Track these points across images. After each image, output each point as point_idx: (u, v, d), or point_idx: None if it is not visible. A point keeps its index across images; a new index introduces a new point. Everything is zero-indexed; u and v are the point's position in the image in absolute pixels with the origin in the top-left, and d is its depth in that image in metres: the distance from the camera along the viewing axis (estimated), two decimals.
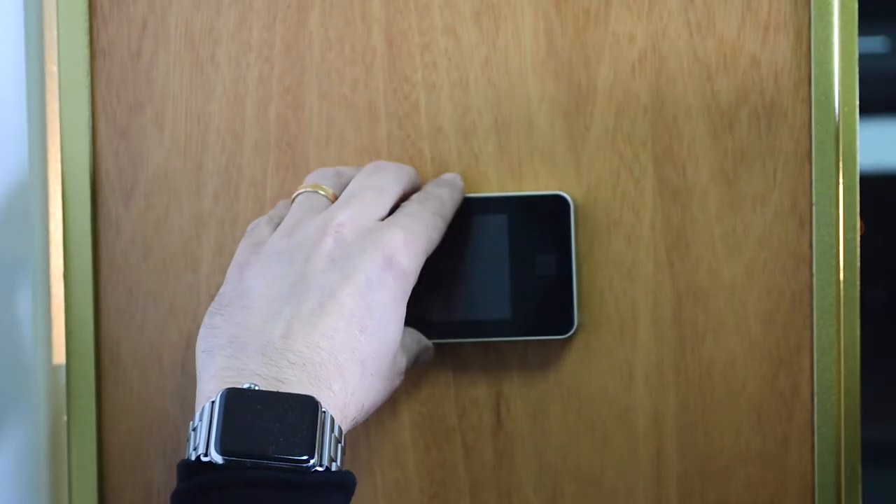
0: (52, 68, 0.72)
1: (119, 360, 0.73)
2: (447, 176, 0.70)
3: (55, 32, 0.72)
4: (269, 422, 0.57)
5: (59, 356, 0.73)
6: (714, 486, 0.70)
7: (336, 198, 0.66)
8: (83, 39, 0.72)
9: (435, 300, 0.69)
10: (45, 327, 0.72)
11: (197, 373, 0.61)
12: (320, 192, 0.66)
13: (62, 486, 0.73)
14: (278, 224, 0.66)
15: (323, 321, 0.60)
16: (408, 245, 0.63)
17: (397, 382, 0.65)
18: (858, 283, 0.69)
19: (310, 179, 0.68)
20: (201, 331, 0.62)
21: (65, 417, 0.73)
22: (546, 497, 0.71)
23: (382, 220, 0.65)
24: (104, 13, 0.73)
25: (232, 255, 0.71)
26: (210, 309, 0.63)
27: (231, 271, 0.64)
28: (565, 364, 0.71)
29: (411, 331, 0.68)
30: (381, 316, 0.62)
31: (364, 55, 0.71)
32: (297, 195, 0.67)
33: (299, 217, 0.65)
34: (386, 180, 0.66)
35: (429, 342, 0.69)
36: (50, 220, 0.72)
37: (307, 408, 0.57)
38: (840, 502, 0.69)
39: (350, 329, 0.61)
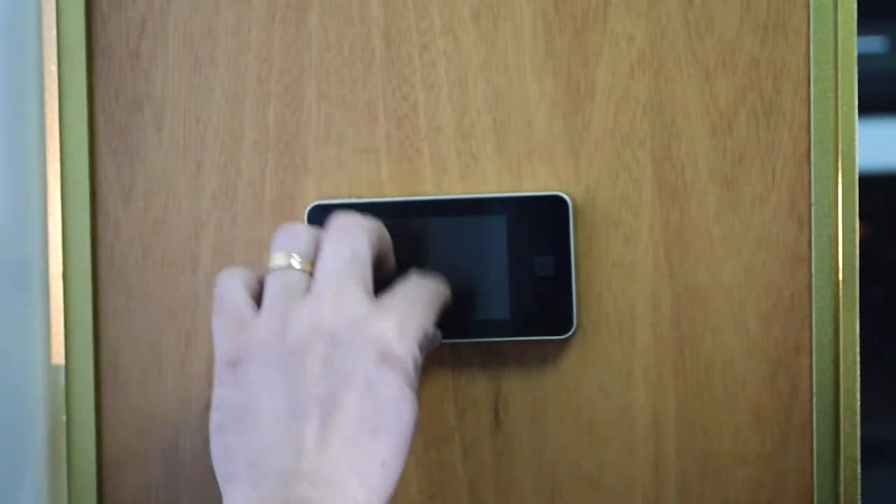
0: (51, 68, 0.72)
1: (118, 360, 0.73)
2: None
3: (54, 32, 0.72)
4: None
5: (59, 356, 0.73)
6: (713, 487, 0.70)
7: (312, 266, 0.63)
8: (82, 39, 0.72)
9: None
10: (44, 327, 0.72)
11: (222, 495, 0.61)
12: (294, 263, 0.63)
13: (61, 486, 0.73)
14: (252, 289, 0.64)
15: (334, 435, 0.59)
16: (402, 332, 0.61)
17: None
18: (857, 283, 0.69)
19: (278, 244, 0.64)
20: (214, 449, 0.62)
21: (64, 417, 0.73)
22: (545, 497, 0.71)
23: (372, 290, 0.63)
24: (103, 13, 0.73)
25: (231, 256, 0.72)
26: (215, 420, 0.62)
27: (222, 370, 0.62)
28: (564, 364, 0.71)
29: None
30: (390, 410, 0.61)
31: (363, 55, 0.71)
32: (271, 275, 0.63)
33: (282, 310, 0.62)
34: (356, 243, 0.64)
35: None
36: (49, 220, 0.72)
37: None
38: (839, 502, 0.69)
39: (362, 434, 0.60)
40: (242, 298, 0.63)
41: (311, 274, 0.63)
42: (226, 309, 0.63)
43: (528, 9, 0.70)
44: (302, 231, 0.65)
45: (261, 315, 0.62)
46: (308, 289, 0.63)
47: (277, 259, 0.64)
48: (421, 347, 0.63)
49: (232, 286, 0.64)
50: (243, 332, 0.62)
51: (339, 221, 0.65)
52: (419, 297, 0.64)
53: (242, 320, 0.63)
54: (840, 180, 0.69)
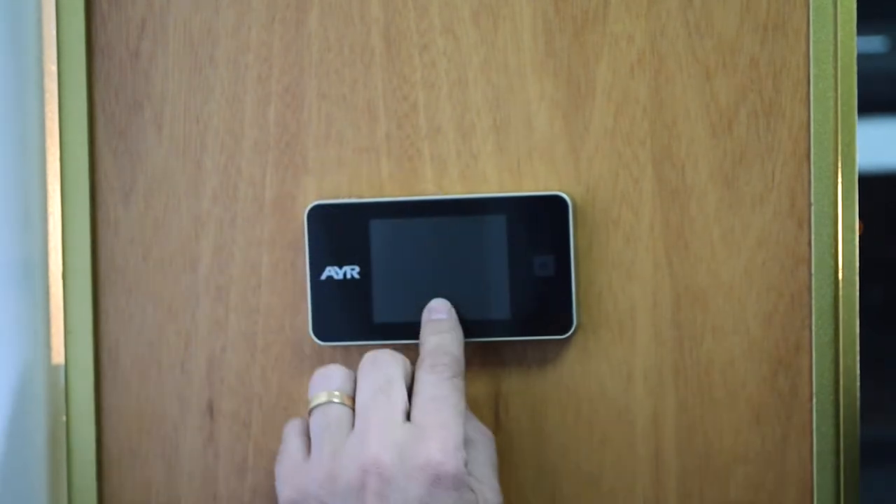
0: (50, 68, 0.72)
1: (118, 360, 0.73)
2: (436, 312, 0.69)
3: (54, 32, 0.72)
4: None
5: (59, 356, 0.73)
6: (713, 486, 0.70)
7: (351, 399, 0.66)
8: (82, 39, 0.72)
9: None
10: (44, 327, 0.72)
11: None
12: (333, 399, 0.66)
13: (61, 487, 0.73)
14: (308, 432, 0.67)
15: None
16: (446, 450, 0.63)
17: None
18: (857, 283, 0.69)
19: (316, 385, 0.67)
20: None
21: (64, 417, 0.73)
22: (545, 497, 0.71)
23: (406, 412, 0.65)
24: (103, 13, 0.73)
25: (231, 256, 0.72)
26: None
27: None
28: (564, 364, 0.71)
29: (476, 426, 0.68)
30: None
31: (363, 55, 0.71)
32: (313, 414, 0.66)
33: (330, 449, 0.65)
34: (388, 371, 0.66)
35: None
36: (49, 220, 0.72)
37: None
38: (839, 502, 0.69)
39: None
40: (296, 442, 0.67)
41: (351, 407, 0.66)
42: (283, 452, 0.67)
43: (528, 9, 0.70)
44: (335, 369, 0.67)
45: (311, 456, 0.65)
46: (350, 422, 0.65)
47: (317, 398, 0.66)
48: (466, 443, 0.64)
49: (290, 430, 0.68)
50: (298, 474, 0.65)
51: (369, 355, 0.67)
52: (450, 400, 0.65)
53: (297, 463, 0.66)
54: (840, 180, 0.69)
